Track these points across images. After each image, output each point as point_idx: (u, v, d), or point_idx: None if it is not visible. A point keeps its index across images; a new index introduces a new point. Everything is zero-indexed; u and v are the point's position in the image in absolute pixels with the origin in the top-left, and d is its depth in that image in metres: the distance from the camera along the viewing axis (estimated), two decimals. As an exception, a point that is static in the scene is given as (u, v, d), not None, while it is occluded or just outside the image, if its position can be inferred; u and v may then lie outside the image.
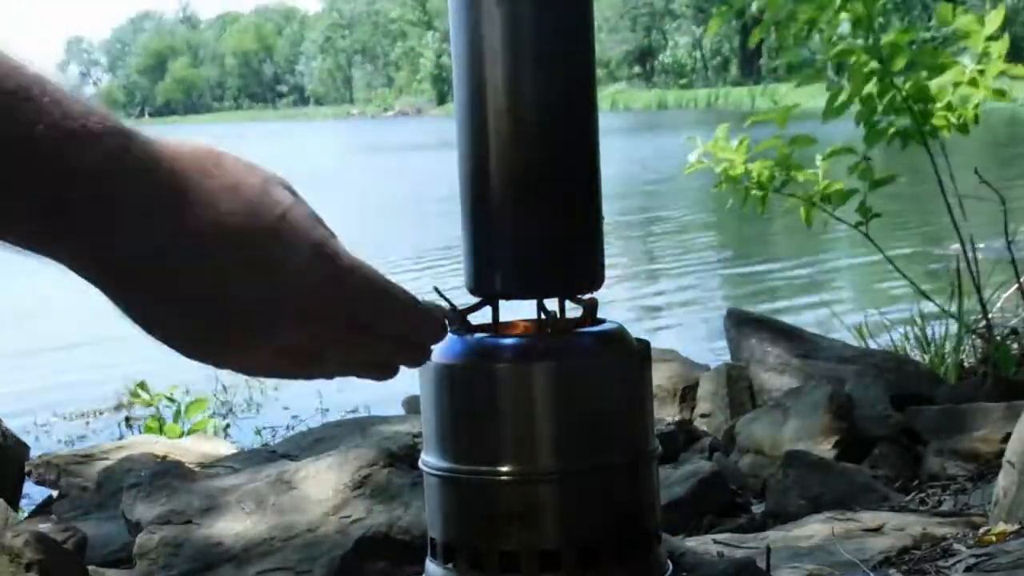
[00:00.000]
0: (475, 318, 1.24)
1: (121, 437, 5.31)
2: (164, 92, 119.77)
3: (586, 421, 1.19)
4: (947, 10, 4.24)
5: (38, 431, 5.82)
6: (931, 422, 3.55)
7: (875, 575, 2.28)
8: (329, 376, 0.81)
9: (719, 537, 2.62)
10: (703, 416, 4.19)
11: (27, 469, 4.16)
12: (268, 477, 2.91)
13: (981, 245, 4.66)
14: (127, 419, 6.00)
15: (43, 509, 3.83)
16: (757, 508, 3.25)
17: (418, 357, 0.84)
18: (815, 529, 2.68)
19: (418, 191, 18.45)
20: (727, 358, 4.64)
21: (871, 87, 4.28)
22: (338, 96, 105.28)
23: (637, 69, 79.83)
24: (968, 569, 2.16)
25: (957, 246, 4.47)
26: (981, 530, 2.51)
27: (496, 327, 1.26)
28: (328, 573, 2.59)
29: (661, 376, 4.22)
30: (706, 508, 3.09)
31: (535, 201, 1.21)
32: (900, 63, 4.22)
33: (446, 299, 1.18)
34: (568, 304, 1.26)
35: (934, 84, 4.23)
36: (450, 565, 1.22)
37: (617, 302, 8.28)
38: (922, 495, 3.15)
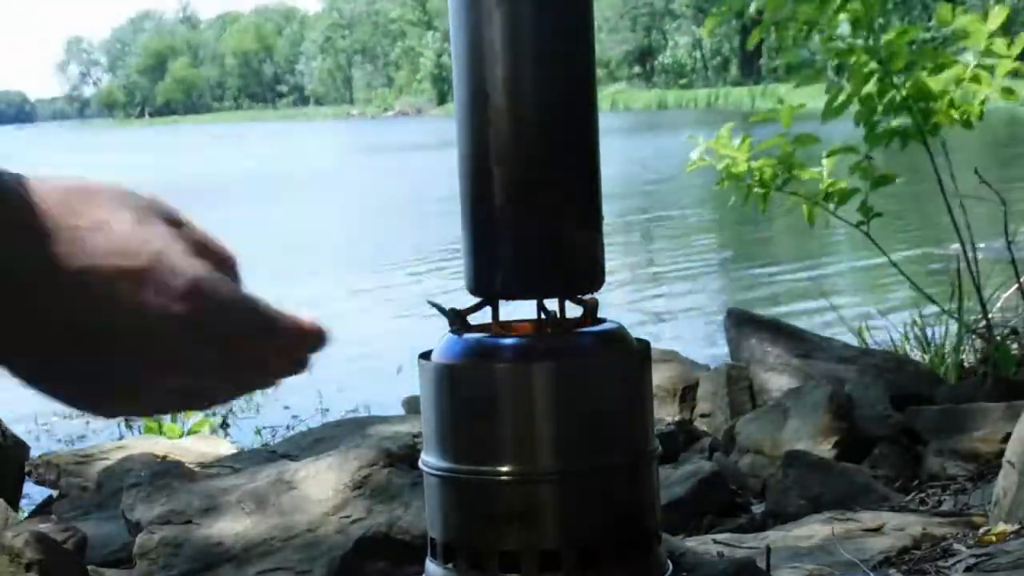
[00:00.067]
0: (475, 318, 1.25)
1: (121, 437, 5.30)
2: (164, 92, 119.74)
3: (586, 421, 1.19)
4: (947, 10, 4.24)
5: (39, 431, 5.81)
6: (931, 422, 3.55)
7: (875, 575, 2.28)
8: (213, 405, 0.77)
9: (719, 537, 2.63)
10: (703, 416, 4.19)
11: (27, 469, 4.17)
12: (268, 477, 2.91)
13: (981, 245, 4.65)
14: (127, 419, 5.99)
15: (43, 509, 3.83)
16: (757, 508, 3.24)
17: (299, 368, 0.76)
18: (815, 529, 2.67)
19: (418, 191, 18.44)
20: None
21: (871, 87, 4.28)
22: (338, 96, 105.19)
23: (637, 69, 79.74)
24: (968, 569, 2.16)
25: (957, 246, 4.47)
26: (981, 530, 2.51)
27: (496, 327, 1.26)
28: (328, 573, 2.59)
29: (661, 376, 4.21)
30: (706, 508, 3.09)
31: (535, 201, 1.21)
32: (900, 63, 4.21)
33: (441, 310, 1.18)
34: (568, 304, 1.26)
35: (937, 81, 4.22)
36: (450, 565, 1.22)
37: (617, 303, 8.28)
38: (922, 495, 3.15)
